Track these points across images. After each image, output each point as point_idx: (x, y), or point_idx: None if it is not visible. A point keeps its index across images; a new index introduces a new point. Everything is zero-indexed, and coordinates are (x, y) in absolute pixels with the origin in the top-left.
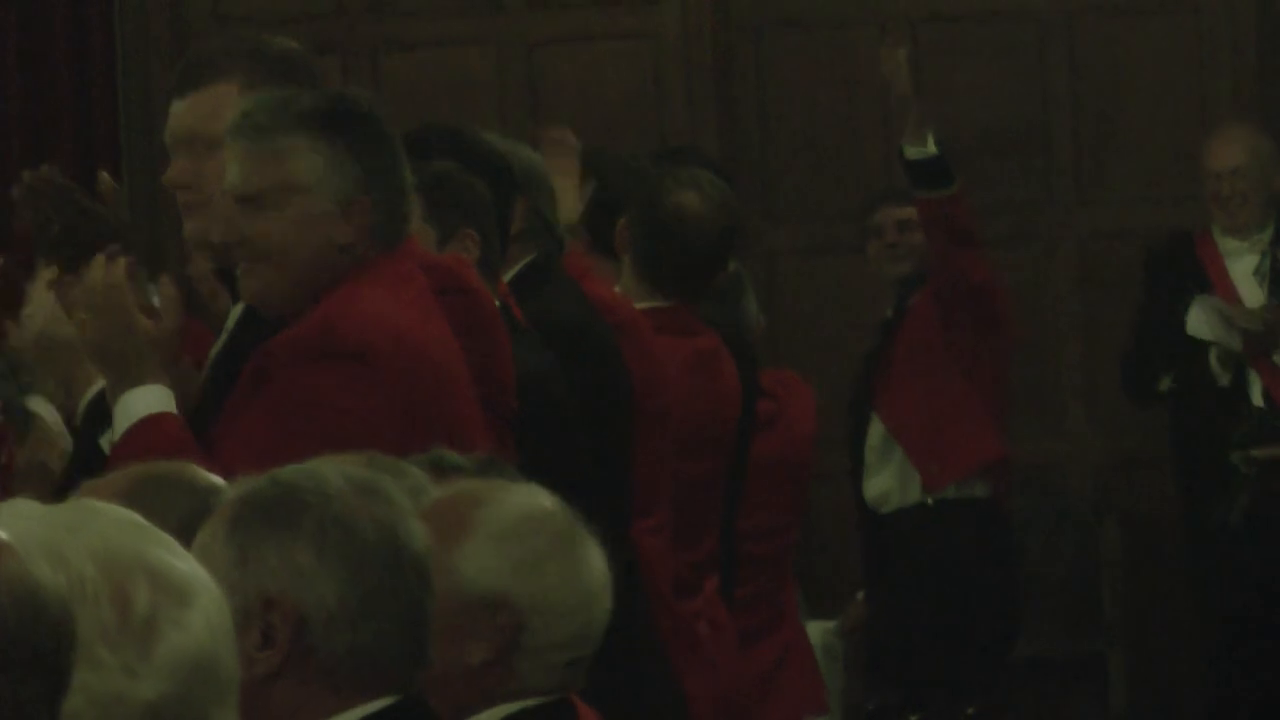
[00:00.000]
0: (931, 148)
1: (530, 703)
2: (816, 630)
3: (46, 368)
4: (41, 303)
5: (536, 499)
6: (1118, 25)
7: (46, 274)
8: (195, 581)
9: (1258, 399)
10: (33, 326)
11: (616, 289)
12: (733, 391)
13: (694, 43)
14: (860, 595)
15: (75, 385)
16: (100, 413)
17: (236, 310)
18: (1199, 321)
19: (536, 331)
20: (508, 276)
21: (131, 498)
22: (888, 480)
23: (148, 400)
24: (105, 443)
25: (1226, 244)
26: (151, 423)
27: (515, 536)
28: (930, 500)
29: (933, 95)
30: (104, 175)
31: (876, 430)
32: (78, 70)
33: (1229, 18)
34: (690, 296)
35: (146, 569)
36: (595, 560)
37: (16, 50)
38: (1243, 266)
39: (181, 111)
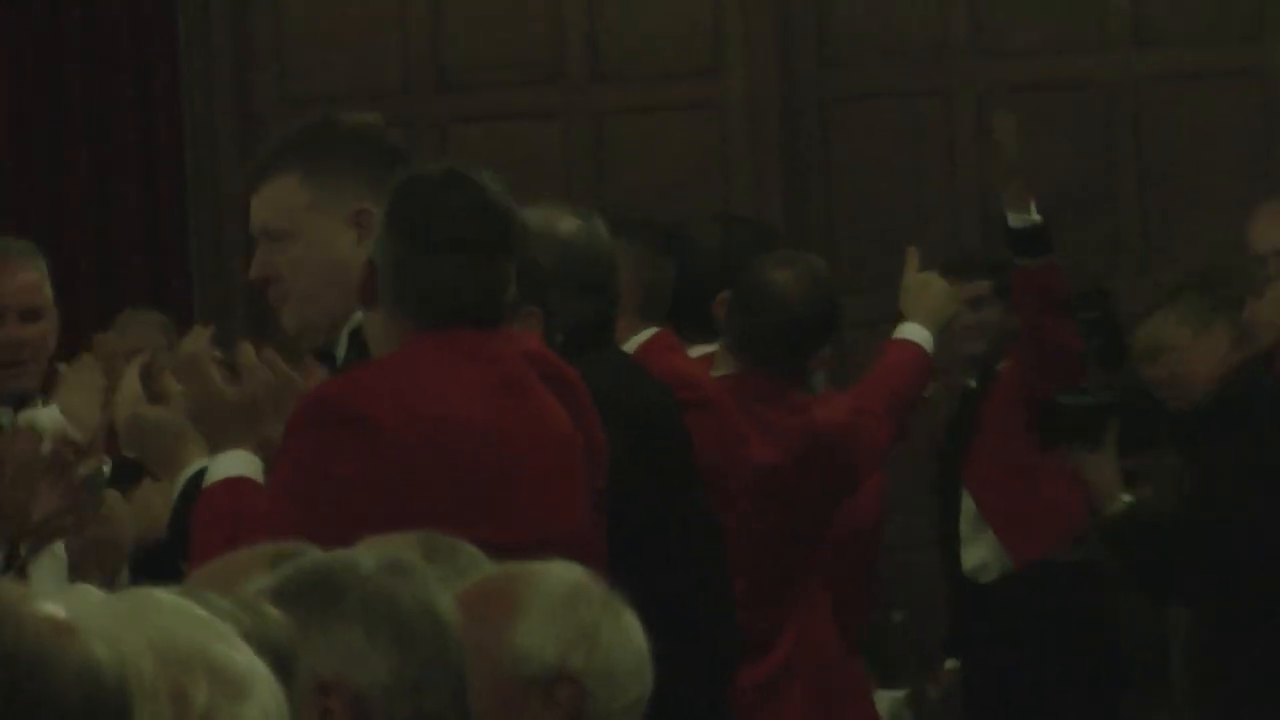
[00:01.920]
0: (1034, 216)
1: None
2: (884, 699)
3: (139, 450)
4: (129, 387)
5: (577, 573)
6: (1183, 91)
7: (137, 360)
8: (253, 675)
9: None
10: (121, 411)
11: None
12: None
13: (759, 114)
14: (948, 663)
15: (171, 466)
16: (196, 490)
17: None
18: None
19: None
20: None
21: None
22: (984, 550)
23: (229, 465)
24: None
25: None
26: (223, 488)
27: (567, 609)
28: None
29: (985, 166)
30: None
31: (969, 502)
32: (144, 156)
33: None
34: (789, 374)
35: (205, 663)
36: (637, 627)
37: (84, 137)
38: None
39: (255, 206)
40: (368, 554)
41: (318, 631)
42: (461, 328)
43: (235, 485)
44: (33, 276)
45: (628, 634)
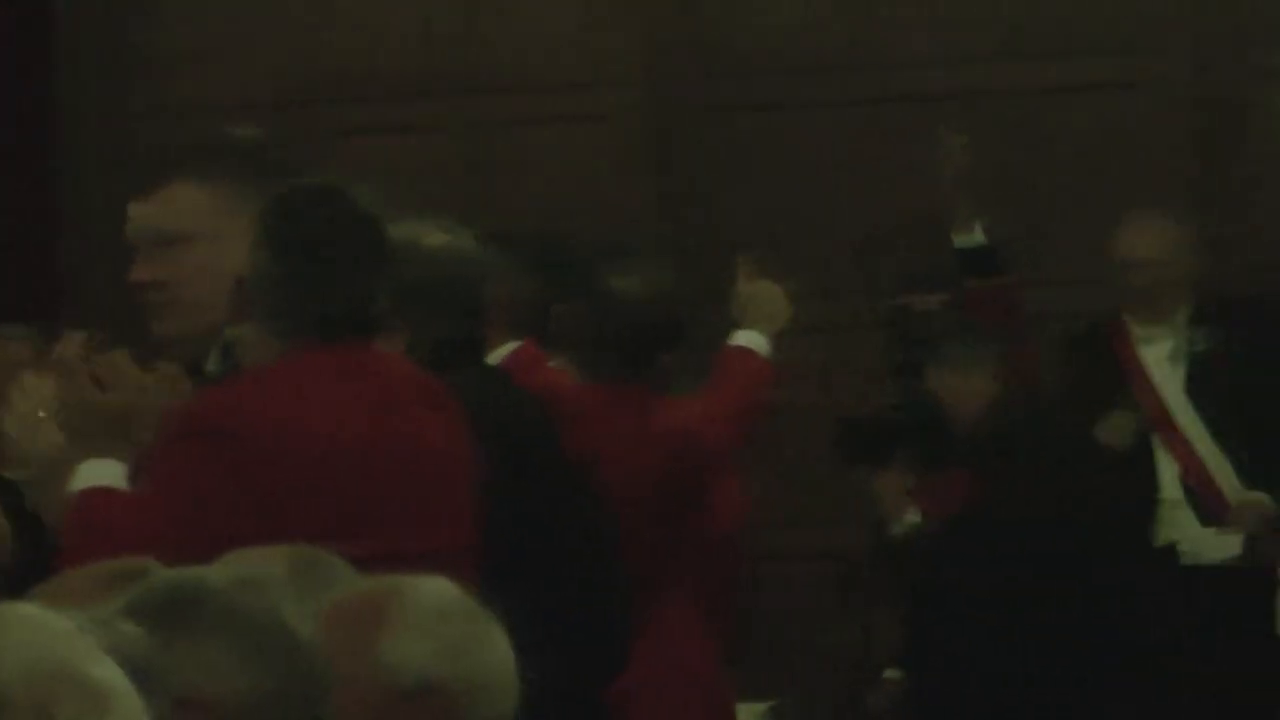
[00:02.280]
0: (980, 236)
1: None
2: (749, 713)
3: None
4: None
5: (445, 586)
6: (1068, 104)
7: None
8: (116, 689)
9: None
10: (11, 428)
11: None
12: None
13: (634, 127)
14: (889, 673)
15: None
16: None
17: None
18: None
19: None
20: None
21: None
22: None
23: (95, 474)
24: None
25: (1140, 328)
26: (88, 499)
27: (436, 622)
28: None
29: (866, 177)
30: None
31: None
32: (15, 165)
33: (1175, 96)
34: (630, 383)
35: (69, 677)
36: (505, 641)
37: None
38: (1157, 351)
39: (140, 211)
40: (220, 569)
41: (174, 647)
42: (333, 342)
43: (99, 496)
44: None
45: (496, 648)
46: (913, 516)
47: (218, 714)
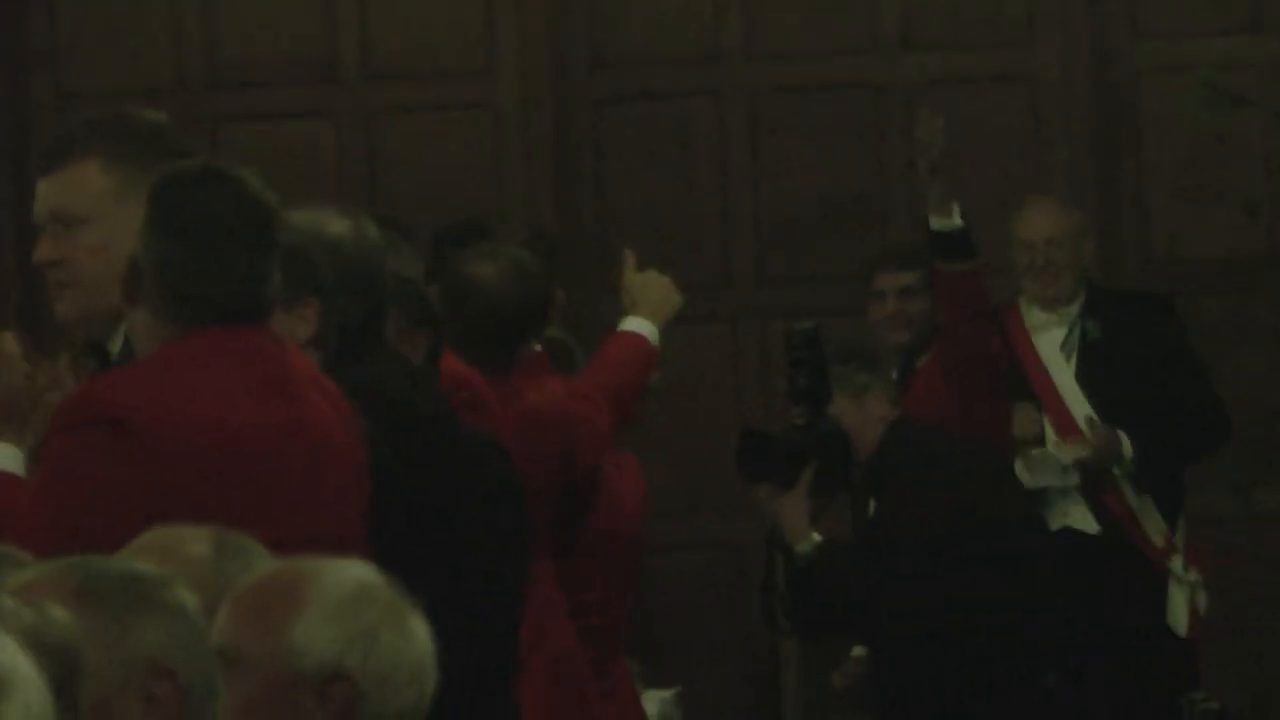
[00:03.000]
0: (957, 220)
1: None
2: (654, 699)
3: None
4: None
5: (364, 572)
6: (956, 96)
7: None
8: (15, 674)
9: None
10: None
11: None
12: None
13: (531, 115)
14: (855, 651)
15: None
16: None
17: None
18: (1027, 476)
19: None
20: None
21: None
22: None
23: None
24: None
25: (1034, 317)
26: None
27: (349, 608)
28: None
29: (771, 166)
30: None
31: None
32: None
33: (1065, 89)
34: (494, 368)
35: None
36: (423, 630)
37: None
38: (1050, 340)
39: (45, 190)
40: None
41: (151, 619)
42: (223, 325)
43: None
44: None
45: (410, 637)
46: (812, 540)
47: (187, 686)
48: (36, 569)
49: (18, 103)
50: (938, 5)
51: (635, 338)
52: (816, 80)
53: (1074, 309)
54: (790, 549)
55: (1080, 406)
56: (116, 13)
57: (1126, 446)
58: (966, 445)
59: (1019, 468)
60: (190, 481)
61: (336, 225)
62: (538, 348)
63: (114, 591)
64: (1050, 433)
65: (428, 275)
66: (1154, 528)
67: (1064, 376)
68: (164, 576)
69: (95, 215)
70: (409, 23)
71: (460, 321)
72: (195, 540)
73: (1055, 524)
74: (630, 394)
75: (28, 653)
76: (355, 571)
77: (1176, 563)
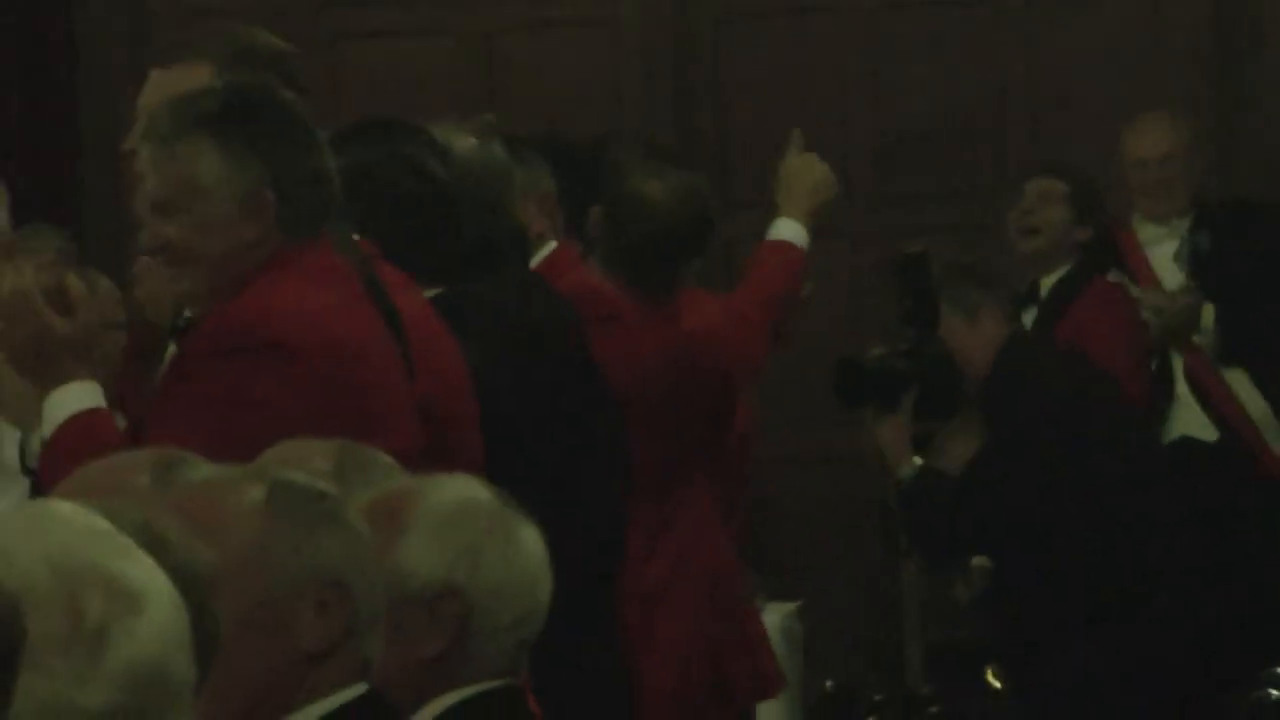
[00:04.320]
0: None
1: (484, 686)
2: (776, 612)
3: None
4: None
5: (467, 487)
6: (1072, 10)
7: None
8: (150, 589)
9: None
10: None
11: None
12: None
13: (651, 31)
14: (976, 560)
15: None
16: None
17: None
18: None
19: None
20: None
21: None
22: None
23: (74, 398)
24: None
25: (1146, 231)
26: (77, 421)
27: (453, 526)
28: None
29: (889, 84)
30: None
31: None
32: (34, 61)
33: (1184, 2)
34: (656, 288)
35: (101, 576)
36: (534, 542)
37: None
38: (1162, 252)
39: (154, 81)
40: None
41: (331, 534)
42: (301, 244)
43: (89, 419)
44: None
45: (519, 549)
46: (914, 465)
47: (357, 604)
48: (220, 471)
49: (137, 16)
50: None
51: (785, 247)
52: None
53: (1185, 223)
54: (893, 474)
55: None
56: None
57: (1208, 317)
58: (1082, 362)
59: None
60: (338, 400)
61: (464, 143)
62: None
63: (301, 503)
64: (1194, 403)
65: (583, 191)
66: (1275, 437)
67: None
68: (343, 496)
69: (205, 197)
70: None
71: (625, 239)
72: (320, 454)
73: (1174, 434)
74: (781, 308)
75: (163, 570)
76: (457, 487)
77: None
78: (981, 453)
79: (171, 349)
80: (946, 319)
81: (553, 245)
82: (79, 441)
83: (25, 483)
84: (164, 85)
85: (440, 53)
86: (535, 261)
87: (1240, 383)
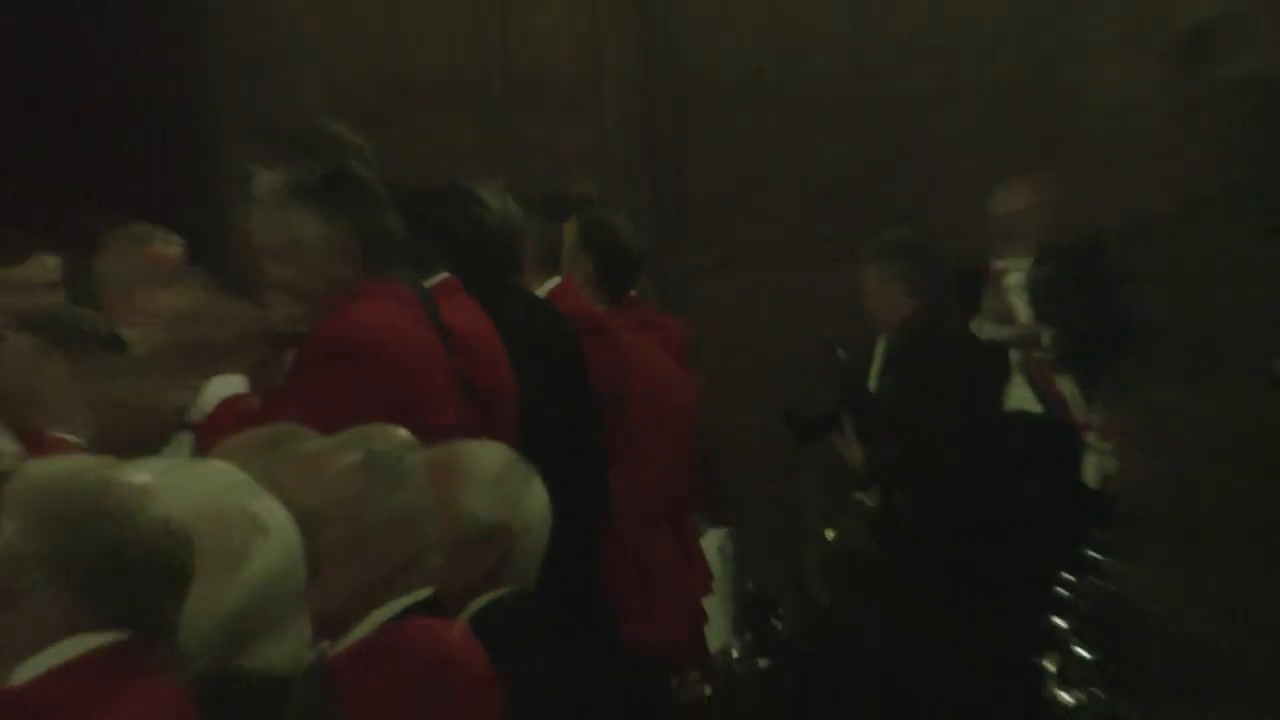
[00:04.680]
0: None
1: (509, 589)
2: (713, 536)
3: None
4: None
5: (503, 452)
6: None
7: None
8: (274, 522)
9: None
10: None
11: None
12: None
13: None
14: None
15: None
16: None
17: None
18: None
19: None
20: None
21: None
22: None
23: (226, 386)
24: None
25: (1000, 267)
26: (227, 403)
27: (502, 480)
28: None
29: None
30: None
31: None
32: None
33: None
34: (617, 299)
35: (242, 513)
36: (543, 491)
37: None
38: (1013, 281)
39: (260, 224)
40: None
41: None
42: (382, 276)
43: (235, 401)
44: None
45: (541, 496)
46: (863, 455)
47: (419, 533)
48: (326, 440)
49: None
50: None
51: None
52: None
53: (1029, 261)
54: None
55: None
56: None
57: (1046, 337)
58: (973, 340)
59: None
60: (398, 389)
61: (494, 201)
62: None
63: (385, 464)
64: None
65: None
66: (1080, 411)
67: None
68: (413, 462)
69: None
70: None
71: (605, 259)
72: (391, 431)
73: (1011, 406)
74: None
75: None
76: (495, 451)
77: (1091, 435)
78: (897, 408)
79: (290, 353)
80: (869, 276)
81: (557, 278)
82: (228, 417)
83: (190, 436)
84: (268, 231)
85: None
86: (548, 287)
87: (1064, 380)
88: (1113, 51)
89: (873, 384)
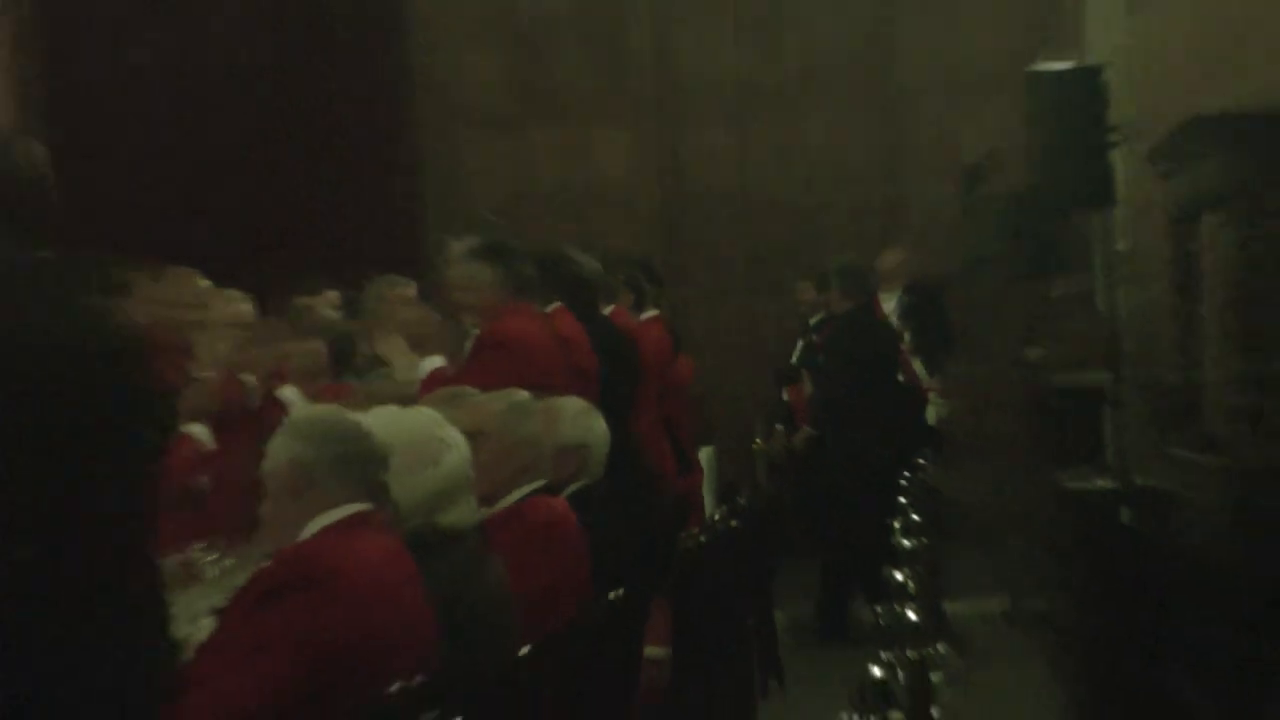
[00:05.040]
0: None
1: (588, 480)
2: (704, 451)
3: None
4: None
5: (581, 401)
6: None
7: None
8: (455, 440)
9: None
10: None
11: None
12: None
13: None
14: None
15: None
16: None
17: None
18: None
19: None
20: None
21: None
22: None
23: (430, 364)
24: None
25: (885, 298)
26: (433, 374)
27: (584, 414)
28: None
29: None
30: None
31: None
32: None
33: None
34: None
35: (434, 434)
36: (604, 422)
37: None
38: (890, 305)
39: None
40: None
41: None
42: (529, 301)
43: (437, 373)
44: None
45: (602, 427)
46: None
47: (548, 458)
48: (485, 395)
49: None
50: None
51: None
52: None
53: (900, 292)
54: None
55: None
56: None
57: (907, 336)
58: (880, 329)
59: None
60: (527, 371)
61: (576, 255)
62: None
63: (521, 409)
64: None
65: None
66: (924, 378)
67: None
68: (533, 406)
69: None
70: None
71: (571, 291)
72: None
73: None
74: None
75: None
76: (578, 400)
77: (931, 395)
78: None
79: (469, 344)
80: (824, 282)
81: (613, 306)
82: (433, 382)
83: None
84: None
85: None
86: (643, 317)
87: (917, 362)
88: (932, 178)
89: (820, 356)
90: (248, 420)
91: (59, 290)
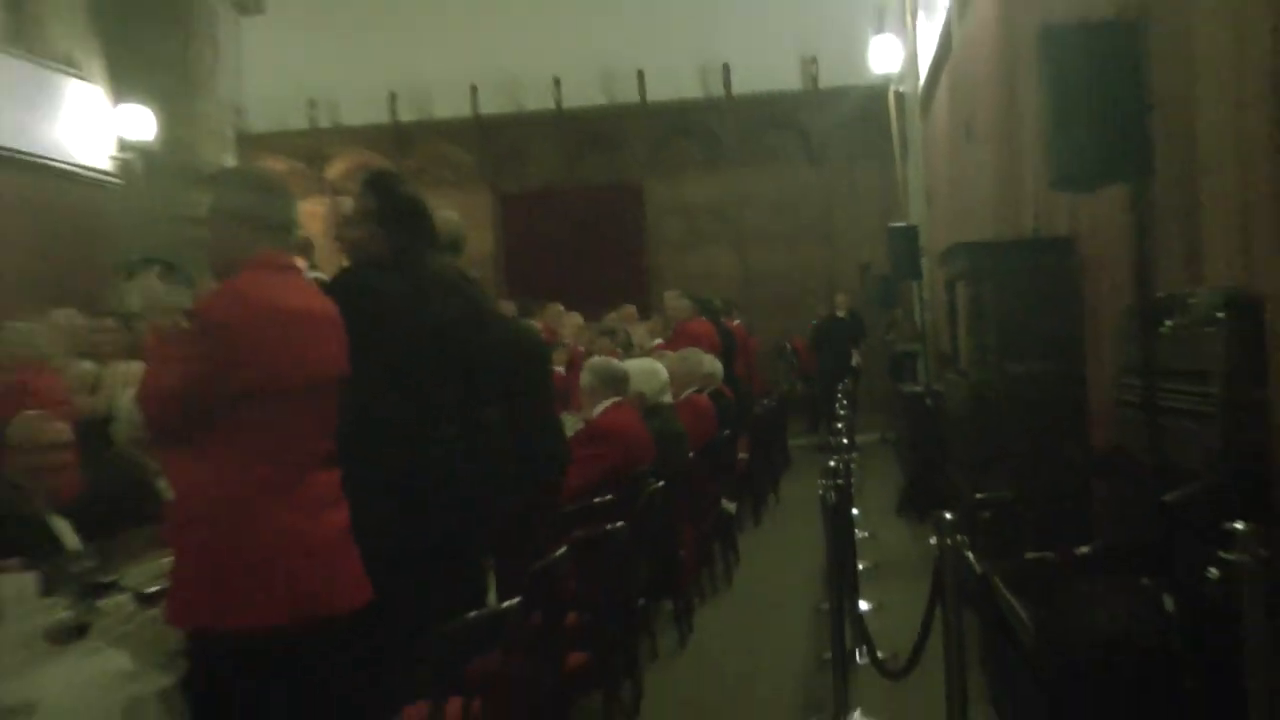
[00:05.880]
0: None
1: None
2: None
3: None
4: None
5: (649, 358)
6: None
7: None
8: (662, 370)
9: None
10: None
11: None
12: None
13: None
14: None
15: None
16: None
17: None
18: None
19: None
20: None
21: None
22: None
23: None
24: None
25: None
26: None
27: (713, 361)
28: None
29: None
30: None
31: None
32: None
33: None
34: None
35: (657, 368)
36: (666, 374)
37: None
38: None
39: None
40: None
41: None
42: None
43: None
44: None
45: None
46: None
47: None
48: (676, 355)
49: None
50: None
51: None
52: None
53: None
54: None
55: None
56: None
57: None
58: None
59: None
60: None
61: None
62: None
63: (688, 359)
64: None
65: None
66: (855, 353)
67: None
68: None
69: None
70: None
71: (710, 310)
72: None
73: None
74: None
75: None
76: (712, 358)
77: (855, 361)
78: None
79: None
80: (839, 294)
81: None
82: (674, 343)
83: None
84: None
85: None
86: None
87: (825, 354)
88: (868, 237)
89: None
90: None
91: (489, 299)
